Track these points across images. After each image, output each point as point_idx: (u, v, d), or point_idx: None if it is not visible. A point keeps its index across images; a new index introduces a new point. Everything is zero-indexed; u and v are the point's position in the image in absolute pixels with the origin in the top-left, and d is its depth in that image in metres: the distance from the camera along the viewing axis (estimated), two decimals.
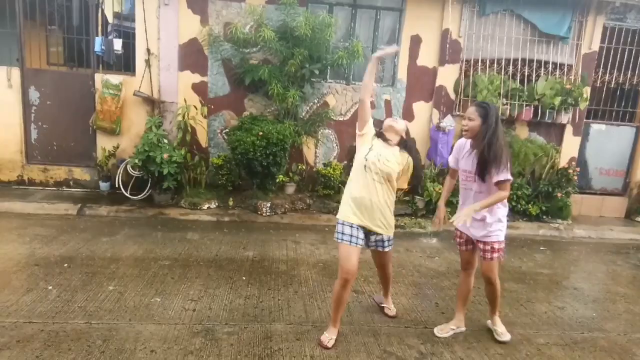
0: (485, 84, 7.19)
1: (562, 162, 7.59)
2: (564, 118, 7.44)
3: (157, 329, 3.36)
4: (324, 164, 7.30)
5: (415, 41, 7.33)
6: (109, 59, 6.78)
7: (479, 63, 7.39)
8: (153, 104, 6.97)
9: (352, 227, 3.21)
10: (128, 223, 5.92)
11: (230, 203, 6.71)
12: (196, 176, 6.82)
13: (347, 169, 7.28)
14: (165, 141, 6.47)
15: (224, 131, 7.23)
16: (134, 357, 2.99)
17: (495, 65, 7.41)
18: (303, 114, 7.28)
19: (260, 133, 6.18)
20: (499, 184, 3.17)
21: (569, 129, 7.68)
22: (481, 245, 3.38)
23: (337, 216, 3.32)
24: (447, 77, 7.41)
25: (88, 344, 3.09)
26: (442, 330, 3.59)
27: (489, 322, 3.73)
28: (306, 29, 6.27)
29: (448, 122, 7.21)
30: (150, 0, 6.68)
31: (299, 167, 7.26)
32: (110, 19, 6.83)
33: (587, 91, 7.45)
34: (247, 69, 6.78)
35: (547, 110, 7.29)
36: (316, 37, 6.48)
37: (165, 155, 6.23)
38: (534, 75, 7.44)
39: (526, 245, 6.26)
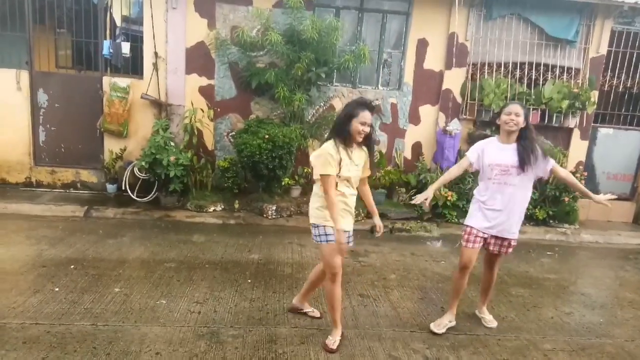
0: (492, 87, 7.17)
1: (570, 167, 7.54)
2: (572, 122, 7.40)
3: (162, 331, 3.36)
4: None
5: (422, 45, 7.32)
6: (117, 62, 6.83)
7: (486, 67, 7.38)
8: (160, 106, 7.00)
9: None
10: (134, 225, 5.95)
11: (236, 206, 6.72)
12: (202, 179, 6.84)
13: None
14: (172, 144, 6.50)
15: (230, 134, 7.26)
16: (139, 359, 2.99)
17: (502, 68, 7.39)
18: (309, 117, 7.29)
19: (267, 136, 6.20)
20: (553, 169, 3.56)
21: (576, 133, 7.63)
22: (501, 242, 3.61)
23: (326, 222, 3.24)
24: (454, 80, 7.40)
25: (94, 345, 3.11)
26: (439, 326, 3.64)
27: (477, 311, 3.97)
28: (313, 32, 6.28)
29: (454, 125, 7.19)
30: (158, 3, 6.73)
31: (305, 170, 7.27)
32: (118, 22, 6.88)
33: (594, 95, 7.41)
34: (254, 72, 6.80)
35: (555, 114, 7.26)
36: (323, 40, 6.49)
37: (172, 158, 6.26)
38: (541, 79, 7.41)
39: (533, 250, 6.22)
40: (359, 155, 3.25)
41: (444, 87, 7.42)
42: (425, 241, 6.22)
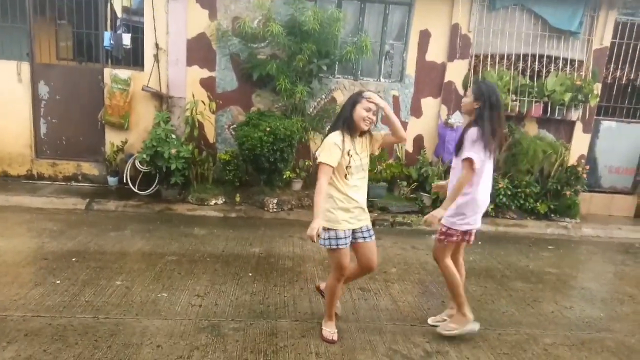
0: (495, 79, 7.11)
1: (572, 160, 7.51)
2: (574, 115, 7.36)
3: (163, 324, 3.38)
4: None
5: (424, 36, 7.27)
6: (118, 53, 6.81)
7: (489, 58, 7.32)
8: (161, 99, 6.98)
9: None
10: (136, 218, 5.96)
11: (237, 199, 6.72)
12: (203, 172, 6.84)
13: None
14: (173, 136, 6.49)
15: (231, 127, 7.24)
16: (140, 351, 3.01)
17: (505, 60, 7.33)
18: (310, 109, 7.26)
19: (268, 129, 6.18)
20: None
21: (578, 126, 7.59)
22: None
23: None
24: (456, 72, 7.35)
25: (95, 338, 3.12)
26: (437, 320, 3.66)
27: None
28: (314, 23, 6.24)
29: (456, 118, 7.16)
30: None
31: (306, 163, 7.26)
32: (119, 13, 6.86)
33: (597, 87, 7.36)
34: (255, 64, 6.77)
35: (557, 107, 7.22)
36: (324, 32, 6.45)
37: (173, 151, 6.25)
38: (544, 71, 7.36)
39: (534, 244, 6.22)
40: (363, 144, 3.18)
41: (446, 79, 7.38)
42: (426, 235, 6.22)
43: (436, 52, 7.33)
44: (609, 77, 7.71)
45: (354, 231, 3.20)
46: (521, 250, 5.86)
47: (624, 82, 7.73)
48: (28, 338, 3.07)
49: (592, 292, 4.70)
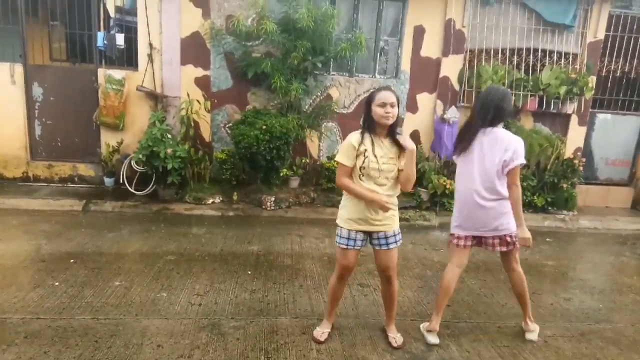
0: (490, 74, 7.13)
1: (568, 153, 7.53)
2: (569, 108, 7.38)
3: (163, 323, 3.37)
4: (328, 157, 7.28)
5: (419, 32, 7.27)
6: (112, 53, 6.76)
7: (483, 53, 7.33)
8: (156, 98, 6.96)
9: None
10: (133, 218, 5.94)
11: (235, 197, 6.71)
12: (200, 171, 6.81)
13: None
14: (169, 136, 6.46)
15: (227, 125, 7.22)
16: (140, 352, 3.00)
17: (500, 55, 7.35)
18: (306, 107, 7.25)
19: (264, 127, 6.16)
20: None
21: (574, 119, 7.62)
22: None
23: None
24: (451, 67, 7.36)
25: (95, 339, 3.11)
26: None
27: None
28: (309, 20, 6.22)
29: (452, 113, 7.16)
30: None
31: (303, 160, 7.25)
32: (112, 13, 6.80)
33: (592, 80, 7.38)
34: (250, 62, 6.75)
35: (552, 100, 7.24)
36: (319, 29, 6.43)
37: (169, 150, 6.23)
38: (538, 65, 7.38)
39: (532, 237, 6.21)
40: (389, 151, 2.98)
41: (441, 74, 7.38)
42: (424, 230, 6.23)
43: (431, 48, 7.33)
44: (604, 70, 7.74)
45: (370, 235, 3.12)
46: None
47: (618, 74, 7.76)
48: (28, 340, 3.05)
49: (590, 284, 4.72)
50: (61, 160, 7.05)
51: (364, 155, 2.92)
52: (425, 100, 7.50)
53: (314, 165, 7.41)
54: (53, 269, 4.22)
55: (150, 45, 6.78)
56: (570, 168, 7.19)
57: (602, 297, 4.42)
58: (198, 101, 6.88)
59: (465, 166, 3.30)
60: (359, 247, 3.10)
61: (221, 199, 6.68)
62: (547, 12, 7.21)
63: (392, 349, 3.22)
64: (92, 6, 6.71)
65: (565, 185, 7.10)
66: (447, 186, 6.73)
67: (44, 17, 7.14)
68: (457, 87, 7.41)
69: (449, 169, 7.05)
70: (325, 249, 5.17)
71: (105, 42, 6.63)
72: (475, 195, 3.22)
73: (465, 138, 3.31)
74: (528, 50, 7.34)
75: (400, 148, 2.99)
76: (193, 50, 6.97)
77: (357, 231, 3.05)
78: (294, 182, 7.07)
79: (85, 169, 7.09)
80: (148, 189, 6.69)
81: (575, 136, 7.68)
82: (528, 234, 3.28)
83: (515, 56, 7.36)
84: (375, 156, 2.93)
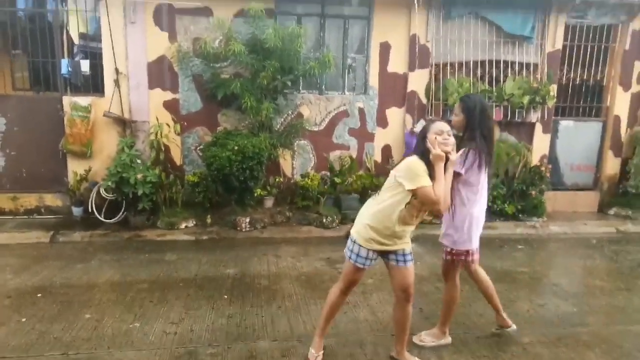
0: (455, 87, 7.29)
1: (534, 160, 7.72)
2: (533, 116, 7.59)
3: (137, 355, 3.26)
4: (302, 175, 7.28)
5: (385, 48, 7.40)
6: (77, 80, 6.66)
7: (448, 67, 7.51)
8: (124, 124, 6.85)
9: None
10: (103, 248, 5.78)
11: (209, 220, 6.62)
12: (172, 195, 6.70)
13: (325, 180, 7.28)
14: (139, 161, 6.35)
15: (198, 148, 7.16)
16: None
17: (464, 68, 7.53)
18: (278, 126, 7.25)
19: (236, 147, 6.13)
20: None
21: (538, 127, 7.83)
22: None
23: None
24: (418, 82, 7.50)
25: None
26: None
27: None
28: (276, 40, 6.26)
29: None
30: (115, 19, 6.59)
31: (277, 179, 7.22)
32: (76, 40, 6.72)
33: (553, 89, 7.62)
34: (219, 83, 6.73)
35: (517, 110, 7.44)
36: (286, 48, 6.48)
37: (139, 176, 6.12)
38: (502, 76, 7.59)
39: (504, 245, 6.33)
40: None
41: (409, 89, 7.51)
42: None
43: (397, 63, 7.46)
44: (564, 79, 8.02)
45: (387, 253, 3.07)
46: (493, 251, 5.95)
47: (577, 82, 8.04)
48: None
49: (564, 288, 4.80)
50: (27, 191, 6.85)
51: None
52: (394, 114, 7.60)
53: (288, 184, 7.38)
54: (19, 304, 4.05)
55: (117, 70, 6.70)
56: (538, 175, 7.37)
57: (576, 300, 4.49)
58: (167, 125, 6.81)
59: (482, 178, 3.26)
60: (370, 265, 3.09)
61: (194, 222, 6.58)
62: (507, 25, 7.45)
63: None
64: (54, 33, 6.62)
65: (533, 193, 7.26)
66: None
67: (4, 46, 6.99)
68: (424, 100, 7.54)
69: None
70: (302, 268, 5.12)
71: (69, 69, 6.54)
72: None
73: (489, 147, 3.26)
74: (491, 62, 7.55)
75: None
76: (160, 73, 6.92)
77: (374, 251, 3.02)
78: (269, 202, 7.02)
79: (52, 199, 6.89)
80: (118, 216, 6.54)
81: (541, 144, 7.88)
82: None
83: (479, 68, 7.56)
84: None
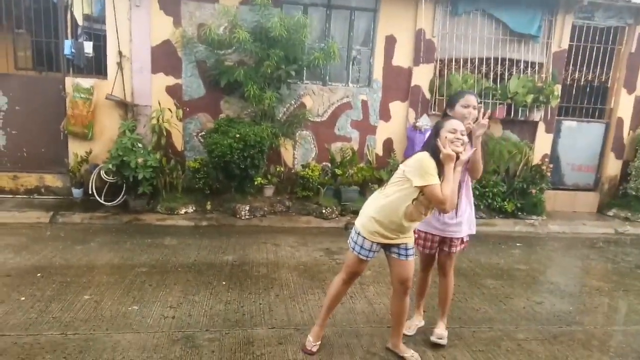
0: (460, 83, 7.27)
1: (536, 159, 7.73)
2: (536, 115, 7.59)
3: (135, 338, 3.28)
4: (303, 166, 7.28)
5: (390, 41, 7.37)
6: (80, 62, 6.61)
7: (453, 62, 7.48)
8: (126, 107, 6.83)
9: None
10: (103, 230, 5.79)
11: (208, 207, 6.62)
12: (172, 180, 6.70)
13: (325, 171, 7.28)
14: (140, 145, 6.34)
15: (200, 134, 7.14)
16: None
17: (469, 64, 7.51)
18: (280, 115, 7.24)
19: (237, 135, 6.12)
20: None
21: (541, 126, 7.83)
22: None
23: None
24: (422, 76, 7.48)
25: (64, 355, 3.00)
26: (410, 328, 3.60)
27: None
28: (281, 29, 6.23)
29: (424, 121, 7.26)
30: (121, 1, 6.55)
31: (277, 169, 7.22)
32: (80, 21, 6.67)
33: (558, 89, 7.61)
34: (223, 70, 6.70)
35: (520, 108, 7.43)
36: (291, 38, 6.44)
37: (140, 160, 6.11)
38: (506, 74, 7.57)
39: (503, 242, 6.35)
40: None
41: (413, 83, 7.49)
42: None
43: (402, 57, 7.44)
44: (568, 79, 8.00)
45: (390, 246, 3.06)
46: (491, 248, 5.98)
47: (582, 83, 8.03)
48: None
49: (560, 287, 4.83)
50: (27, 171, 6.83)
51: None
52: (398, 108, 7.59)
53: (288, 174, 7.38)
54: (19, 283, 4.06)
55: (120, 53, 6.67)
56: (539, 174, 7.38)
57: (572, 299, 4.52)
58: (170, 110, 6.79)
59: None
60: (373, 257, 3.09)
61: (194, 208, 6.59)
62: (513, 23, 7.42)
63: (370, 357, 3.21)
64: (59, 14, 6.57)
65: (534, 191, 7.28)
66: None
67: (8, 25, 6.94)
68: (428, 95, 7.53)
69: None
70: (301, 258, 5.14)
71: (73, 50, 6.48)
72: None
73: None
74: (496, 59, 7.53)
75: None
76: (164, 58, 6.88)
77: (378, 243, 3.02)
78: (269, 191, 7.03)
79: (53, 180, 6.88)
80: (118, 199, 6.54)
81: (543, 143, 7.89)
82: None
83: (484, 65, 7.54)
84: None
